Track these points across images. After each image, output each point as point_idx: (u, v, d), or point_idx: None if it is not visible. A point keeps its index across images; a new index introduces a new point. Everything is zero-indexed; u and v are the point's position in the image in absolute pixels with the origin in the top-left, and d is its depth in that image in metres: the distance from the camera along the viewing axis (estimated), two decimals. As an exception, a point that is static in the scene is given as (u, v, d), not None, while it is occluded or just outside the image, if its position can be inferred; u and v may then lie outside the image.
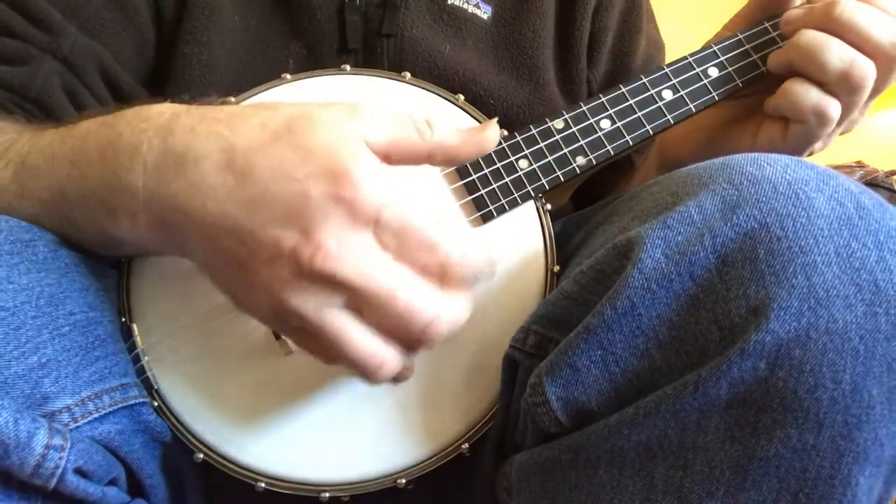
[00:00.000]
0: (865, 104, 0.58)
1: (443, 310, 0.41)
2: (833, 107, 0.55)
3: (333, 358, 0.44)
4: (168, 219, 0.43)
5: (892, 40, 0.54)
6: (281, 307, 0.41)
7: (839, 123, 0.57)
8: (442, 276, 0.42)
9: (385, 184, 0.40)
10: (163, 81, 0.66)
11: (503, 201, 0.56)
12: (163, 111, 0.44)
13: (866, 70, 0.54)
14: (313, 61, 0.67)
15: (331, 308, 0.41)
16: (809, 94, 0.55)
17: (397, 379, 0.51)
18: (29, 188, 0.48)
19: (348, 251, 0.39)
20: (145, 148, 0.43)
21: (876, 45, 0.54)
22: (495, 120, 0.49)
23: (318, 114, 0.42)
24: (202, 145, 0.42)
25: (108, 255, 0.51)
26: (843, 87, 0.55)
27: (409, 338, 0.42)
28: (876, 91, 0.56)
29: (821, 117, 0.56)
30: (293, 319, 0.41)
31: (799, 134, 0.57)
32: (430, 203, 0.43)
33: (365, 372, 0.42)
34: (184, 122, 0.43)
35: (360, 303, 0.41)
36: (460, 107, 0.60)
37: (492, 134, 0.47)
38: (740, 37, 0.61)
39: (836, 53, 0.54)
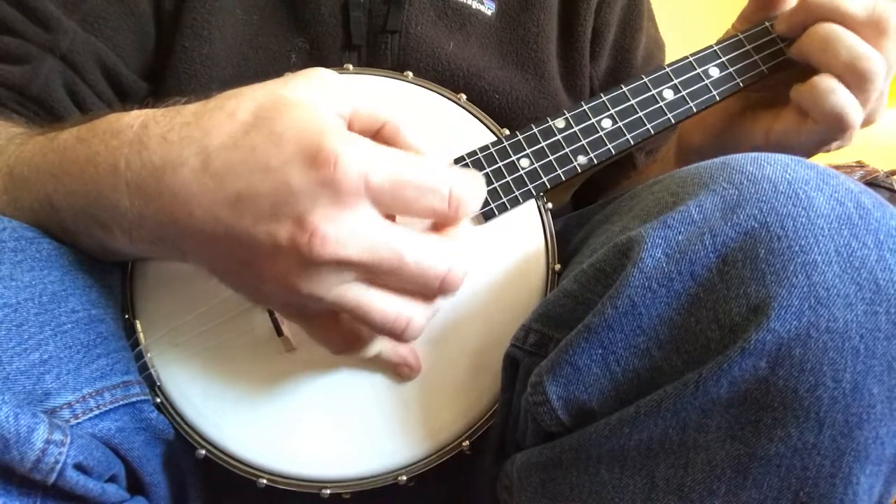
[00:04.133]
0: (881, 95, 0.57)
1: (454, 257, 0.42)
2: (855, 112, 0.55)
3: (352, 339, 0.45)
4: (163, 233, 0.43)
5: (866, 12, 0.54)
6: (294, 295, 0.41)
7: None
8: (454, 211, 0.42)
9: (362, 150, 0.39)
10: (163, 75, 0.66)
11: (504, 200, 0.56)
12: (131, 123, 0.44)
13: (871, 58, 0.54)
14: (316, 56, 0.66)
15: (344, 283, 0.41)
16: (836, 94, 0.55)
17: (403, 377, 0.52)
18: (20, 199, 0.47)
19: (345, 230, 0.39)
20: (123, 165, 0.42)
21: (851, 18, 0.55)
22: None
23: (282, 93, 0.41)
24: (177, 153, 0.41)
25: (109, 260, 0.51)
26: (851, 77, 0.55)
27: (429, 293, 0.43)
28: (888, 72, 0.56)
29: (839, 120, 0.55)
30: (311, 303, 0.42)
31: (813, 133, 0.57)
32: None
33: (394, 334, 0.43)
34: (153, 132, 0.42)
35: (372, 274, 0.41)
36: (462, 106, 0.60)
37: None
38: (741, 37, 0.61)
39: (844, 44, 0.54)
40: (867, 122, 0.60)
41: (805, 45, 0.57)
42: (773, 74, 0.60)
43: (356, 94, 0.43)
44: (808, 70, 0.58)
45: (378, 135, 0.45)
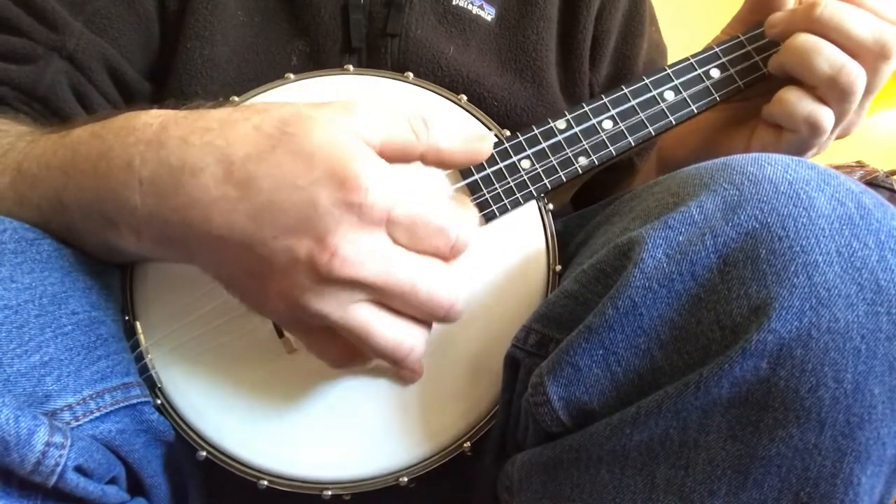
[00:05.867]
0: (861, 107, 0.57)
1: (460, 288, 0.44)
2: (826, 117, 0.55)
3: (352, 354, 0.46)
4: (172, 234, 0.43)
5: (875, 37, 0.54)
6: (301, 311, 0.41)
7: (833, 130, 0.57)
8: (454, 253, 0.44)
9: (390, 182, 0.40)
10: (166, 76, 0.66)
11: (505, 201, 0.56)
12: (150, 122, 0.44)
13: (855, 75, 0.54)
14: (316, 59, 0.67)
15: (353, 304, 0.42)
16: (802, 103, 0.55)
17: (405, 380, 0.52)
18: (27, 197, 0.47)
19: (364, 252, 0.40)
20: (138, 163, 0.42)
21: (858, 42, 0.54)
22: (493, 134, 0.51)
23: (311, 114, 0.42)
24: (197, 158, 0.41)
25: (112, 261, 0.51)
26: (832, 92, 0.55)
27: (433, 319, 0.45)
28: (868, 92, 0.56)
29: (813, 127, 0.55)
30: (315, 320, 0.42)
31: (791, 142, 0.57)
32: (424, 185, 0.44)
33: (395, 360, 0.44)
34: (173, 133, 0.42)
35: (383, 298, 0.42)
36: (463, 107, 0.60)
37: (486, 147, 0.48)
38: (742, 38, 0.61)
39: (826, 58, 0.54)
40: (843, 134, 0.60)
41: (785, 58, 0.57)
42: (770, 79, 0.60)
43: (388, 124, 0.43)
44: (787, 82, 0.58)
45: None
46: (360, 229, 0.40)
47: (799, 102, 0.55)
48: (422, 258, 0.43)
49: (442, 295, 0.43)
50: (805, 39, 0.55)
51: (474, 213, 0.47)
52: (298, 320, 0.44)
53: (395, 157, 0.44)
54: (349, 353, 0.46)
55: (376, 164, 0.41)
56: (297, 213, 0.39)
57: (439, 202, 0.43)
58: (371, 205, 0.39)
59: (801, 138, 0.56)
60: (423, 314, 0.44)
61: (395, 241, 0.42)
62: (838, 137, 0.60)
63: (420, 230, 0.42)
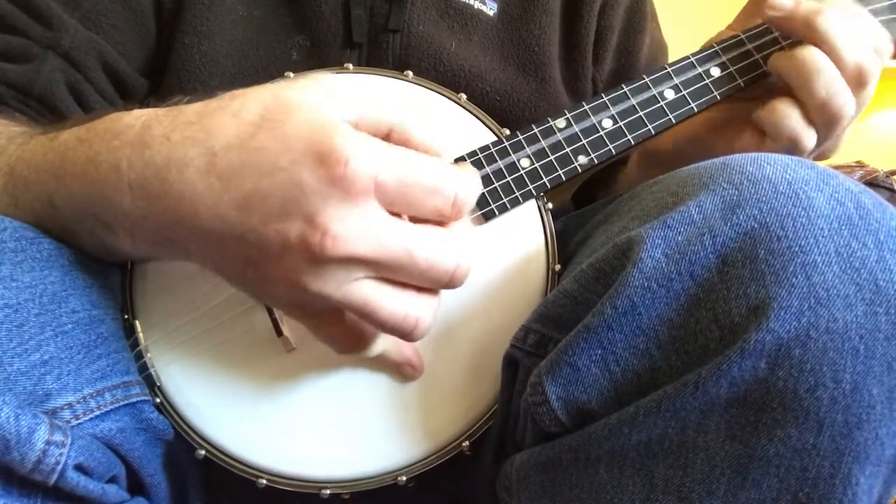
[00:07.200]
0: (839, 136, 0.58)
1: (462, 251, 0.42)
2: (808, 139, 0.56)
3: (357, 338, 0.45)
4: (167, 233, 0.42)
5: (857, 62, 0.54)
6: (302, 294, 0.41)
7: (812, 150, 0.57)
8: (455, 212, 0.43)
9: (371, 149, 0.40)
10: (164, 73, 0.66)
11: (504, 200, 0.56)
12: (132, 123, 0.44)
13: (843, 101, 0.54)
14: (317, 54, 0.66)
15: (352, 281, 0.41)
16: (791, 119, 0.56)
17: (406, 377, 0.52)
18: (21, 199, 0.47)
19: (356, 228, 0.39)
20: (125, 165, 0.42)
21: (843, 64, 0.54)
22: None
23: (290, 95, 0.41)
24: (180, 154, 0.41)
25: (111, 260, 0.51)
26: (820, 115, 0.55)
27: (438, 287, 0.43)
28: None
29: (794, 143, 0.56)
30: (318, 302, 0.42)
31: (772, 150, 0.57)
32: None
33: (403, 333, 0.43)
34: (156, 132, 0.42)
35: (382, 271, 0.41)
36: (463, 105, 0.60)
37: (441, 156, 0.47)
38: (742, 36, 0.61)
39: (825, 80, 0.54)
40: (822, 157, 0.60)
41: (786, 66, 0.57)
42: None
43: (361, 101, 0.43)
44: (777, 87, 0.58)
45: (387, 139, 0.45)
46: (349, 203, 0.39)
47: (790, 116, 0.56)
48: (417, 226, 0.42)
49: (442, 260, 0.42)
50: (812, 55, 0.55)
51: (474, 172, 0.45)
52: (301, 304, 0.43)
53: (369, 130, 0.43)
54: (354, 336, 0.46)
55: (355, 136, 0.40)
56: (283, 196, 0.39)
57: (428, 161, 0.42)
58: (354, 175, 0.38)
59: (781, 149, 0.57)
60: (426, 282, 0.43)
61: (391, 211, 0.41)
62: (815, 159, 0.60)
63: (412, 192, 0.41)
